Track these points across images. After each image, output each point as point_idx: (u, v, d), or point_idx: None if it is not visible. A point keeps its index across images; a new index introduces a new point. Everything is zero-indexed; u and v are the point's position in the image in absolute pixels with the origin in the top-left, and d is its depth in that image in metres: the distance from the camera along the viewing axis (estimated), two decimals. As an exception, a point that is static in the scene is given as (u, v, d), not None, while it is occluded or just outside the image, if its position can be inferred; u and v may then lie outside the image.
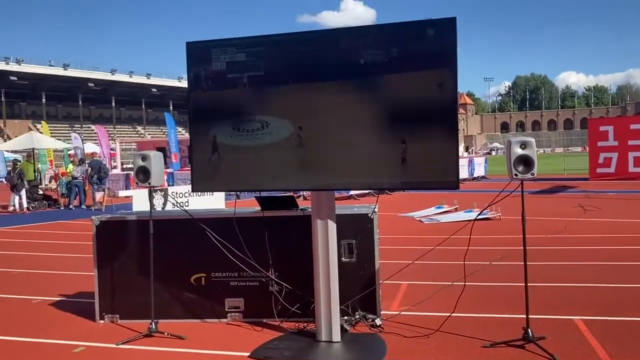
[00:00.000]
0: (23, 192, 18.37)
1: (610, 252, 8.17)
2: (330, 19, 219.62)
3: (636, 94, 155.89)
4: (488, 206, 5.75)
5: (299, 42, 4.56)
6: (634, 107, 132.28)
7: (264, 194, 5.34)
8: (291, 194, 5.41)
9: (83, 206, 18.45)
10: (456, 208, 13.62)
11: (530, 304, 4.55)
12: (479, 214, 7.70)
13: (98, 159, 21.12)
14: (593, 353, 4.22)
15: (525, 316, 4.50)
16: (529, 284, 4.60)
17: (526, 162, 4.42)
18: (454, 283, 5.68)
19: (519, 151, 4.43)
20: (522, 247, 4.54)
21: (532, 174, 4.43)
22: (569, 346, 4.37)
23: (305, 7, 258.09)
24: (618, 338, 4.52)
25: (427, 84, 4.23)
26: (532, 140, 4.48)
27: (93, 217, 5.56)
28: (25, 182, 18.69)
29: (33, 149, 24.04)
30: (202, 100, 4.80)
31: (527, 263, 4.59)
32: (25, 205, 18.26)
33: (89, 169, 18.64)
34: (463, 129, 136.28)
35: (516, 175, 4.44)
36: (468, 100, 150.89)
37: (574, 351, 4.27)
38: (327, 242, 4.65)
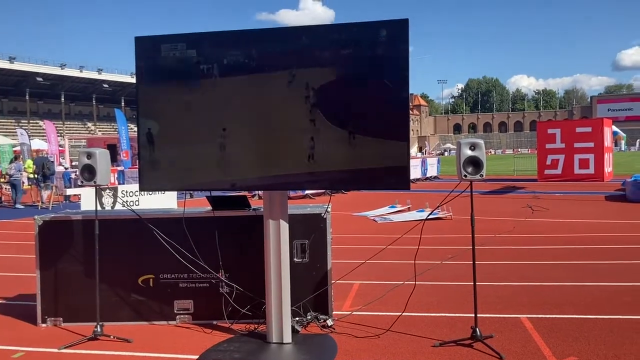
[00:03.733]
0: None
1: (556, 251, 8.41)
2: (288, 18, 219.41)
3: (582, 98, 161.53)
4: (438, 206, 5.82)
5: (251, 40, 4.49)
6: (580, 111, 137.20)
7: (215, 193, 5.25)
8: (244, 193, 5.33)
9: (17, 205, 17.69)
10: (409, 208, 13.78)
11: (479, 303, 4.62)
12: (429, 214, 7.80)
13: (43, 155, 20.37)
14: (538, 351, 4.31)
15: (473, 315, 4.57)
16: (478, 283, 4.67)
17: (475, 163, 4.48)
18: (406, 282, 5.72)
19: (469, 152, 4.49)
20: (472, 247, 4.61)
21: (481, 175, 4.49)
22: (516, 344, 4.45)
23: (264, 5, 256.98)
24: (562, 335, 4.64)
25: (380, 84, 4.23)
26: (481, 142, 4.54)
27: (36, 217, 5.35)
28: None
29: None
30: (150, 97, 4.67)
31: (477, 262, 4.67)
32: None
33: (34, 166, 18.00)
34: (417, 130, 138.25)
35: (466, 176, 4.50)
36: (422, 102, 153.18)
37: (519, 349, 4.35)
38: (279, 242, 4.59)
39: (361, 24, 4.31)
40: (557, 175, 23.87)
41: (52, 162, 20.29)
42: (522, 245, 8.92)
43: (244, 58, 4.45)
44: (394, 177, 4.26)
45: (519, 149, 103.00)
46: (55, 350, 4.62)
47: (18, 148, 29.40)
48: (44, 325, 5.23)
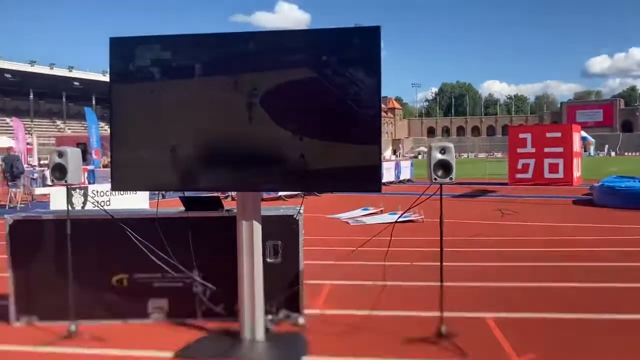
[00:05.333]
0: None
1: (523, 254, 8.66)
2: (264, 20, 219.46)
3: (552, 104, 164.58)
4: (408, 209, 5.98)
5: (225, 42, 4.59)
6: (550, 116, 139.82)
7: (188, 194, 5.33)
8: (217, 194, 5.42)
9: None
10: (381, 210, 13.97)
11: (446, 303, 4.79)
12: (399, 216, 7.96)
13: (14, 154, 20.02)
14: (500, 348, 4.51)
15: (439, 314, 4.74)
16: (446, 284, 4.84)
17: (445, 166, 4.64)
18: (376, 283, 5.88)
19: (439, 156, 4.65)
20: (440, 249, 4.79)
21: (451, 178, 4.65)
22: (479, 342, 4.64)
23: (240, 7, 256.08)
24: (524, 334, 4.84)
25: (352, 88, 4.37)
26: (451, 145, 4.71)
27: (6, 216, 5.35)
28: None
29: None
30: (123, 97, 4.73)
31: (446, 264, 4.84)
32: None
33: (3, 164, 17.72)
34: (391, 133, 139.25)
35: (436, 179, 4.66)
36: (396, 105, 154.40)
37: (482, 347, 4.54)
38: (252, 243, 4.70)
39: (334, 30, 4.46)
40: (527, 179, 24.35)
41: (20, 161, 19.98)
42: (491, 248, 9.15)
43: (217, 60, 4.55)
44: (366, 180, 4.40)
45: (493, 153, 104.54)
46: (31, 348, 4.65)
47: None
48: (18, 323, 5.24)
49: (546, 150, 24.24)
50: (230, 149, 4.55)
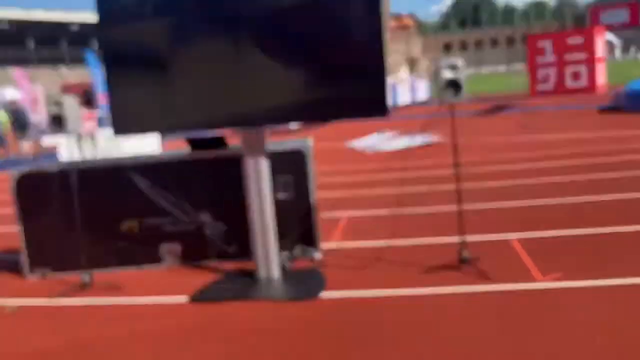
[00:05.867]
0: None
1: (547, 169, 8.37)
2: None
3: (575, 8, 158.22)
4: (421, 132, 5.71)
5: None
6: (573, 21, 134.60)
7: (194, 134, 5.14)
8: (223, 132, 5.21)
9: None
10: (398, 135, 13.65)
11: (467, 226, 4.60)
12: (413, 141, 7.66)
13: (18, 105, 19.85)
14: (524, 269, 4.34)
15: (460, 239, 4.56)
16: (466, 207, 4.64)
17: (455, 85, 4.33)
18: (393, 211, 5.70)
19: (447, 75, 4.34)
20: (454, 170, 4.56)
21: (461, 97, 4.36)
22: (503, 264, 4.47)
23: None
24: (550, 254, 4.66)
25: (350, 9, 4.03)
26: (460, 61, 4.38)
27: (12, 171, 5.24)
28: None
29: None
30: (114, 36, 4.45)
31: (465, 185, 4.61)
32: None
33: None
34: (405, 52, 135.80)
35: (445, 99, 4.37)
36: (409, 22, 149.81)
37: (506, 269, 4.37)
38: (259, 180, 4.52)
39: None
40: (549, 90, 23.62)
41: (24, 112, 19.82)
42: (513, 165, 8.88)
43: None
44: (371, 104, 4.14)
45: (513, 65, 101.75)
46: (46, 301, 4.63)
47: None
48: (32, 276, 5.23)
49: (567, 57, 23.32)
50: (227, 84, 4.29)
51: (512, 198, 6.68)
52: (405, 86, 27.51)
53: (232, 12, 4.18)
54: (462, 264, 4.48)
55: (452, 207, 6.02)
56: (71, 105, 4.79)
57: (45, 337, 3.97)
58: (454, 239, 4.81)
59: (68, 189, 4.94)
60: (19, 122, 17.44)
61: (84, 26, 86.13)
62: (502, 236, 5.20)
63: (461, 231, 4.55)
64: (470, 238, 4.68)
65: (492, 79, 49.25)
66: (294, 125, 16.36)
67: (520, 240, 5.02)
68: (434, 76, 4.50)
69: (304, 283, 4.58)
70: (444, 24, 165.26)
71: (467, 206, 4.72)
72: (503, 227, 5.47)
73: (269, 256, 4.63)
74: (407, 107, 25.29)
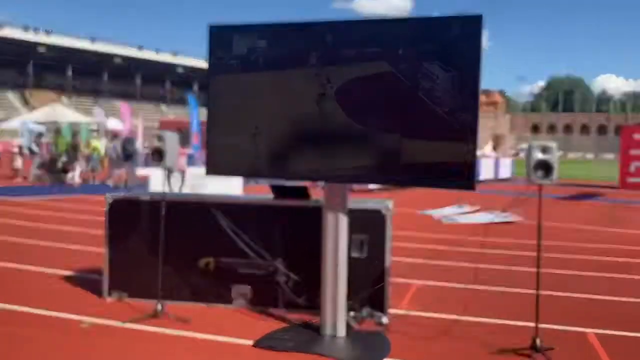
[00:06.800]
0: (77, 165, 18.83)
1: (633, 265, 7.94)
2: (365, 6, 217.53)
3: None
4: (506, 210, 5.62)
5: (320, 30, 4.48)
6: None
7: (279, 182, 5.31)
8: (306, 183, 5.35)
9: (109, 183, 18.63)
10: (477, 209, 13.41)
11: (541, 313, 4.43)
12: (495, 217, 7.53)
13: (127, 136, 21.12)
14: (603, 369, 4.10)
15: (534, 325, 4.39)
16: (543, 292, 4.48)
17: (546, 167, 4.28)
18: (467, 286, 5.57)
19: (539, 155, 4.30)
20: (537, 253, 4.43)
21: (552, 180, 4.29)
22: (578, 359, 4.25)
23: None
24: (630, 355, 4.38)
25: (448, 78, 4.10)
26: (554, 145, 4.34)
27: (107, 195, 5.59)
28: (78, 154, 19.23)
29: (56, 121, 24.45)
30: (220, 84, 4.78)
31: (544, 270, 4.47)
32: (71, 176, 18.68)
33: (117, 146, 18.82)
34: (491, 128, 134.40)
35: (535, 180, 4.31)
36: (499, 99, 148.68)
37: (583, 365, 4.15)
38: (337, 236, 4.58)
39: (432, 19, 4.21)
40: (640, 184, 22.54)
41: (132, 143, 21.11)
42: (597, 256, 8.48)
43: (300, 51, 4.47)
44: (458, 177, 4.13)
45: (602, 154, 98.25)
46: (120, 323, 4.82)
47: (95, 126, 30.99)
48: (109, 298, 5.47)
49: (663, 152, 22.26)
50: (317, 139, 4.44)
51: (590, 290, 6.35)
52: (489, 162, 27.11)
53: (322, 72, 4.38)
54: (534, 351, 4.29)
55: (527, 290, 5.84)
56: (172, 141, 5.08)
57: (107, 357, 4.12)
58: (527, 324, 4.63)
59: (156, 218, 5.18)
60: (127, 151, 18.50)
61: (187, 69, 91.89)
62: (579, 329, 4.95)
63: (537, 316, 4.38)
64: (544, 325, 4.49)
65: (580, 164, 47.64)
66: (374, 185, 16.44)
67: (598, 336, 4.76)
68: (526, 155, 4.45)
69: (368, 346, 4.53)
70: (535, 105, 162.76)
71: (545, 291, 4.54)
72: (580, 319, 5.20)
73: (337, 313, 4.62)
74: (489, 182, 24.83)
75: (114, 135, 21.46)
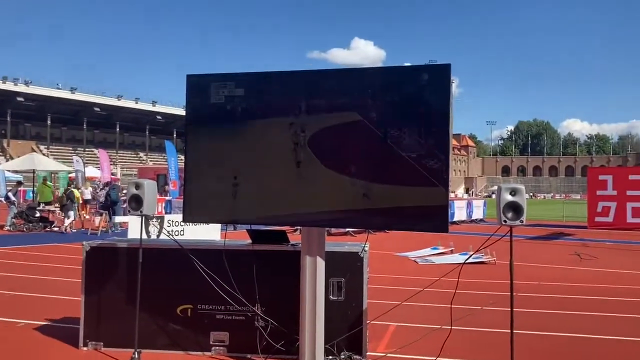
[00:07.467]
0: (71, 213, 18.63)
1: (603, 303, 8.11)
2: (339, 57, 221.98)
3: (637, 145, 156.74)
4: (478, 250, 5.76)
5: (296, 80, 4.64)
6: (635, 158, 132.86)
7: (256, 227, 5.36)
8: (284, 228, 5.42)
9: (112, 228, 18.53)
10: (452, 250, 13.59)
11: (516, 352, 4.51)
12: (469, 257, 7.66)
13: (115, 184, 21.01)
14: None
15: (510, 364, 4.46)
16: (517, 332, 4.57)
17: (515, 208, 4.44)
18: (442, 327, 5.64)
19: (509, 197, 4.46)
20: (510, 294, 4.54)
21: (521, 221, 4.45)
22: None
23: (316, 43, 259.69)
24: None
25: (420, 126, 4.27)
26: (522, 187, 4.52)
27: (84, 243, 5.57)
28: (75, 204, 19.07)
29: (34, 170, 24.17)
30: (197, 132, 4.86)
31: (518, 310, 4.58)
32: (67, 223, 18.53)
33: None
34: (464, 171, 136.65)
35: (505, 221, 4.46)
36: (470, 143, 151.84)
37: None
38: (315, 279, 4.64)
39: (402, 68, 4.41)
40: (608, 223, 23.09)
41: (116, 190, 20.95)
42: (568, 295, 8.64)
43: (289, 100, 4.59)
44: (432, 220, 4.25)
45: (570, 195, 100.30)
46: (94, 374, 4.75)
47: (73, 175, 30.72)
48: (85, 348, 5.38)
49: (629, 193, 22.93)
50: (293, 186, 4.53)
51: (562, 328, 6.47)
52: (462, 204, 27.52)
53: (297, 122, 4.51)
54: (510, 390, 4.35)
55: (501, 330, 5.93)
56: (150, 188, 5.13)
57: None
58: (504, 363, 4.69)
59: (133, 265, 5.17)
60: (111, 198, 18.40)
61: (166, 117, 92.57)
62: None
63: (512, 357, 4.46)
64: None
65: (549, 205, 48.49)
66: (351, 228, 16.52)
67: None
68: (496, 197, 4.61)
69: (347, 389, 4.54)
70: (504, 148, 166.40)
71: (519, 331, 4.63)
72: (554, 358, 5.30)
73: (315, 357, 4.64)
74: (462, 223, 25.14)
75: (106, 183, 21.38)
